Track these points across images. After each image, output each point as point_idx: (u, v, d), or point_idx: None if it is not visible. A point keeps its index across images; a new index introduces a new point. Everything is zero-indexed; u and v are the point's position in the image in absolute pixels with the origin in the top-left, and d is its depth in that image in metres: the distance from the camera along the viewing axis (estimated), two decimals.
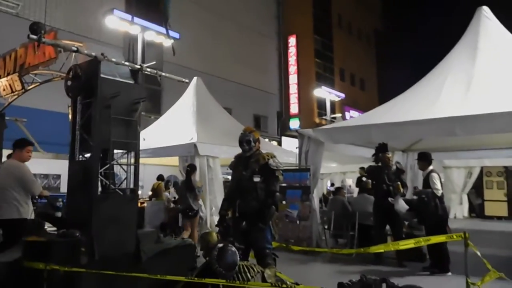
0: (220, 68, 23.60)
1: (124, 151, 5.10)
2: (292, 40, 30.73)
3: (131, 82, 5.24)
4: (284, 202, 8.71)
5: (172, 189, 11.56)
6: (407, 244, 4.04)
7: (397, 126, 7.52)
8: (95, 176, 4.73)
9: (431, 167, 6.75)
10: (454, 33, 9.50)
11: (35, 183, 5.40)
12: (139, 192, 13.00)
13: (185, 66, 20.27)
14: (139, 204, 10.94)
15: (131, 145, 5.09)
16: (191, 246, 5.51)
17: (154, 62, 15.26)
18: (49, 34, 5.30)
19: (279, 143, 26.63)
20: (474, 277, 3.80)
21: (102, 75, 4.84)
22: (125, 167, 5.10)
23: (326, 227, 8.81)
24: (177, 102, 13.23)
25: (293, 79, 30.16)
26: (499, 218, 14.24)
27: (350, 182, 18.36)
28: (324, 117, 29.92)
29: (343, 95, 31.34)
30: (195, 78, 12.95)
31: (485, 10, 8.99)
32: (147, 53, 17.47)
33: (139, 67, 5.29)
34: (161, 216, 10.55)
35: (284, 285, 3.37)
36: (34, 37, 4.66)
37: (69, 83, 4.97)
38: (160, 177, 12.45)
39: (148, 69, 5.45)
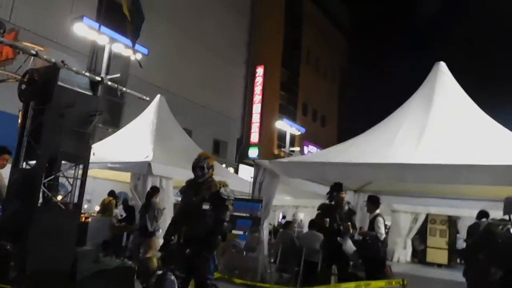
0: (185, 88, 23.54)
1: (72, 163, 4.89)
2: (260, 70, 31.27)
3: (89, 93, 5.09)
4: (233, 232, 8.64)
5: (120, 207, 11.16)
6: (348, 286, 4.07)
7: (350, 166, 7.71)
8: (37, 186, 4.51)
9: (378, 211, 6.96)
10: (415, 80, 10.00)
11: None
12: (85, 206, 12.53)
13: (150, 83, 20.09)
14: (83, 219, 10.53)
15: (81, 158, 4.90)
16: (130, 269, 5.28)
17: (118, 75, 15.06)
18: (9, 34, 5.14)
19: (236, 170, 26.61)
20: None
21: (59, 83, 4.68)
22: (71, 180, 4.88)
23: (272, 260, 8.75)
24: (136, 118, 12.98)
25: (256, 108, 30.54)
26: (439, 265, 14.71)
27: (302, 216, 18.51)
28: (283, 149, 30.26)
29: (303, 129, 31.94)
30: (158, 96, 12.82)
31: (442, 66, 9.57)
32: (113, 65, 17.15)
33: (99, 79, 5.16)
34: (105, 234, 10.07)
35: None
36: None
37: (23, 86, 4.77)
38: (111, 193, 11.97)
39: (109, 82, 5.33)
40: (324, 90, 40.78)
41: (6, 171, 4.99)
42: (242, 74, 30.56)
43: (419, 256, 15.85)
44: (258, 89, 30.84)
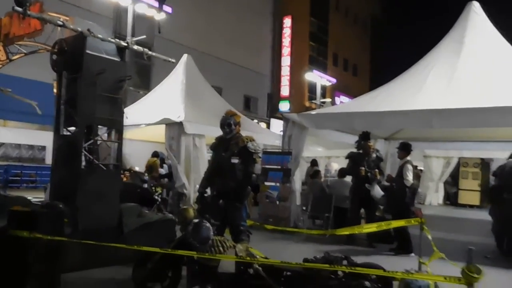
0: (212, 46, 23.47)
1: (108, 127, 5.23)
2: (287, 21, 30.50)
3: (117, 59, 5.33)
4: (266, 183, 9.00)
5: (165, 165, 11.67)
6: (370, 228, 4.32)
7: (377, 115, 7.76)
8: (79, 150, 4.88)
9: (408, 158, 7.05)
10: (448, 24, 9.63)
11: None
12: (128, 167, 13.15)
13: (177, 42, 20.20)
14: (125, 179, 11.17)
15: (115, 122, 5.23)
16: (171, 221, 5.72)
17: (144, 37, 15.25)
18: (34, 5, 5.35)
19: (268, 125, 26.82)
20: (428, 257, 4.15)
21: (88, 52, 4.93)
22: (109, 143, 5.24)
23: (304, 208, 9.09)
24: (165, 80, 13.22)
25: (285, 61, 30.13)
26: (471, 206, 14.80)
27: (336, 166, 18.69)
28: (314, 101, 30.08)
29: (334, 80, 31.45)
30: (184, 56, 12.93)
31: (475, 5, 9.14)
32: (138, 26, 17.31)
33: (125, 44, 5.37)
34: None
35: (248, 258, 3.63)
36: (19, 9, 4.70)
37: (54, 57, 5.05)
38: (155, 154, 12.55)
39: (135, 47, 5.54)
40: (355, 39, 39.43)
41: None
42: (270, 27, 29.99)
43: (451, 198, 15.98)
44: (286, 41, 30.26)
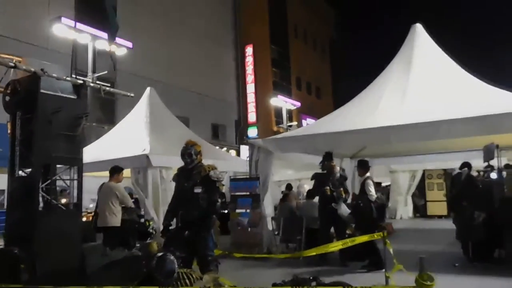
0: (176, 77, 23.58)
1: (67, 166, 5.13)
2: (249, 50, 31.19)
3: (74, 97, 5.29)
4: (236, 211, 8.97)
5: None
6: (336, 245, 4.38)
7: (338, 135, 7.98)
8: (36, 191, 4.76)
9: (367, 174, 7.25)
10: (397, 42, 10.15)
11: None
12: (91, 205, 12.87)
13: (140, 76, 20.16)
14: (90, 218, 10.89)
15: (74, 160, 5.14)
16: (139, 257, 5.58)
17: (106, 72, 15.20)
18: None
19: (238, 152, 26.86)
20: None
21: (42, 91, 4.88)
22: (68, 182, 5.13)
23: (276, 233, 9.08)
24: (129, 114, 13.15)
25: (250, 88, 30.59)
26: (440, 217, 15.17)
27: (307, 187, 18.87)
28: (281, 125, 30.47)
29: (298, 103, 32.08)
30: (148, 89, 12.96)
31: (418, 27, 9.70)
32: (100, 61, 17.24)
33: (81, 82, 5.35)
34: None
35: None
36: None
37: (7, 98, 4.97)
38: None
39: (91, 84, 5.52)
40: (316, 62, 40.68)
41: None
42: (232, 56, 30.51)
43: (420, 211, 16.37)
44: (249, 68, 30.83)
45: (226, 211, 10.07)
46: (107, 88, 5.97)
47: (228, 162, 12.59)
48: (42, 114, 4.83)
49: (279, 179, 17.67)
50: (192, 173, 4.88)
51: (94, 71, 15.07)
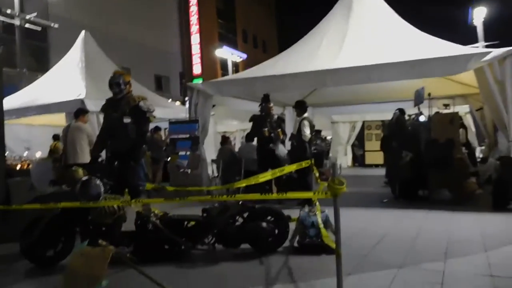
0: (115, 25, 22.42)
1: None
2: None
3: None
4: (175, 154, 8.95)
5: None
6: (265, 176, 4.53)
7: (277, 78, 8.03)
8: None
9: (305, 115, 7.41)
10: None
11: None
12: (25, 154, 12.30)
13: (75, 21, 18.90)
14: (25, 166, 10.44)
15: None
16: (67, 193, 5.45)
17: (35, 14, 14.11)
18: None
19: (183, 104, 26.42)
20: None
21: None
22: None
23: (216, 175, 9.19)
24: (63, 58, 12.42)
25: (195, 39, 29.74)
26: (377, 165, 16.03)
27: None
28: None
29: (245, 55, 31.76)
30: (82, 32, 12.22)
31: None
32: (29, 5, 15.89)
33: None
34: (49, 176, 10.10)
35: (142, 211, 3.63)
36: None
37: None
38: (55, 137, 11.87)
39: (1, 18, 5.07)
40: (262, 16, 40.17)
41: None
42: (175, 5, 29.27)
43: (359, 160, 17.17)
44: (194, 18, 29.81)
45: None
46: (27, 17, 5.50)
47: (171, 110, 12.40)
48: None
49: (224, 130, 17.75)
50: (120, 103, 4.74)
51: (21, 11, 13.88)
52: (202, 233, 4.14)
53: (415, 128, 7.98)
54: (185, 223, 4.22)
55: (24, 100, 11.18)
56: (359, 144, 17.08)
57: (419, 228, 5.25)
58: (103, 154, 5.01)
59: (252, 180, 4.52)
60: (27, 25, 14.47)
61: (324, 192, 2.62)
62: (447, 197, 7.41)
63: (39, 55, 18.41)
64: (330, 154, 16.41)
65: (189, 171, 8.71)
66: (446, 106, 9.12)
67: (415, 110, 8.64)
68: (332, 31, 8.95)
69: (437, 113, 8.90)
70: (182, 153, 8.95)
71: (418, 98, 8.03)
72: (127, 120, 4.63)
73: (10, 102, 10.69)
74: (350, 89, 9.89)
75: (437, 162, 7.11)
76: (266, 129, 7.62)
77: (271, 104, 7.85)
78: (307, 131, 7.11)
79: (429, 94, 8.08)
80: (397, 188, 7.85)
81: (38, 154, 12.32)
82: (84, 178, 3.89)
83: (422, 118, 8.23)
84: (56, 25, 5.80)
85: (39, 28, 6.94)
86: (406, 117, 8.67)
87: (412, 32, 8.62)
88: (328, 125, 16.75)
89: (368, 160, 16.73)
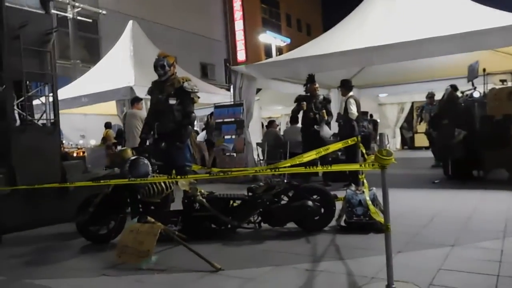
0: (162, 14, 22.80)
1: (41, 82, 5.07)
2: None
3: (41, 11, 5.11)
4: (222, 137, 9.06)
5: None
6: (310, 155, 4.46)
7: (319, 58, 7.87)
8: (10, 108, 4.72)
9: (350, 93, 7.20)
10: None
11: None
12: (81, 141, 12.95)
13: (125, 13, 19.43)
14: (81, 153, 11.01)
15: (47, 77, 5.06)
16: (119, 175, 5.66)
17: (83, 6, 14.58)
18: None
19: (228, 90, 26.61)
20: None
21: (7, 4, 4.69)
22: (43, 99, 5.08)
23: (261, 158, 9.21)
24: (112, 49, 12.84)
25: (239, 25, 29.65)
26: (427, 148, 15.33)
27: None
28: None
29: (288, 40, 31.35)
30: (130, 22, 12.56)
31: None
32: None
33: None
34: (103, 161, 10.59)
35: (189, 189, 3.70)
36: None
37: None
38: (107, 125, 12.46)
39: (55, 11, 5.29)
40: None
41: None
42: None
43: (408, 143, 16.60)
44: (237, 4, 29.68)
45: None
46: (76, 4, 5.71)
47: (218, 96, 12.55)
48: (9, 29, 4.67)
49: (269, 116, 17.71)
50: (165, 85, 4.82)
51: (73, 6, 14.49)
52: (248, 212, 4.16)
53: (469, 105, 7.53)
54: (231, 202, 4.26)
55: (78, 90, 11.71)
56: (408, 126, 16.48)
57: (474, 208, 4.99)
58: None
59: (296, 160, 4.47)
60: (79, 18, 15.06)
61: (371, 164, 2.53)
62: (504, 177, 6.98)
63: (91, 48, 19.15)
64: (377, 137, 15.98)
65: (235, 154, 8.78)
66: (503, 82, 8.57)
67: (468, 87, 8.18)
68: (378, 6, 8.61)
69: (493, 89, 8.38)
70: (227, 136, 9.03)
71: (472, 73, 7.57)
72: (172, 101, 4.72)
73: (65, 92, 11.24)
74: (398, 68, 9.52)
75: (493, 140, 6.69)
76: (309, 112, 7.47)
77: (317, 85, 7.70)
78: (353, 108, 6.92)
79: (484, 70, 7.60)
80: (450, 168, 7.51)
81: (93, 142, 12.94)
82: (133, 157, 4.01)
83: (476, 94, 7.76)
84: (104, 12, 6.01)
85: (90, 20, 7.23)
86: (459, 94, 8.23)
87: (465, 4, 8.11)
88: (375, 107, 16.26)
89: (417, 143, 16.14)
